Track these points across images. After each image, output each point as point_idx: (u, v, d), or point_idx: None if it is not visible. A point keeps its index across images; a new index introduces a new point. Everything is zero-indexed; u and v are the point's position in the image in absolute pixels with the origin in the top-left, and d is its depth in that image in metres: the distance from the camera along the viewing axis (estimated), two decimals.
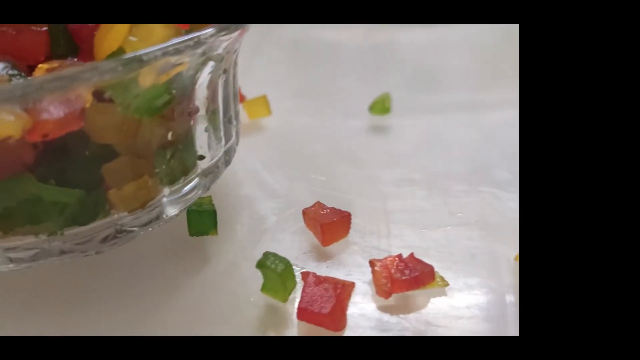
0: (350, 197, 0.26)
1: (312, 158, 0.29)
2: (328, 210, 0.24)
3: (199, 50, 0.18)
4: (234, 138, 0.24)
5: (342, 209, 0.24)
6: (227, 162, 0.24)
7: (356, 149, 0.30)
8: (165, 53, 0.17)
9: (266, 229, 0.24)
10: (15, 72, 0.19)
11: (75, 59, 0.20)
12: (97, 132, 0.18)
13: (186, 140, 0.21)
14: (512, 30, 0.44)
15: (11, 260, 0.20)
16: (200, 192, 0.23)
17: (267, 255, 0.21)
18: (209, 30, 0.18)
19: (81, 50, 0.20)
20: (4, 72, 0.18)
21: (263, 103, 0.32)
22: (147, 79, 0.17)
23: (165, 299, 0.21)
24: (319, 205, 0.24)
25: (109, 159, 0.19)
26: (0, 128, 0.16)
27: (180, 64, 0.18)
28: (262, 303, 0.21)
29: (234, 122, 0.24)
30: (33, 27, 0.19)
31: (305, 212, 0.24)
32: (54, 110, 0.17)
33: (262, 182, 0.27)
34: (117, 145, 0.19)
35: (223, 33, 0.19)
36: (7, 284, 0.22)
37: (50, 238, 0.19)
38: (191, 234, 0.24)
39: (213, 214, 0.23)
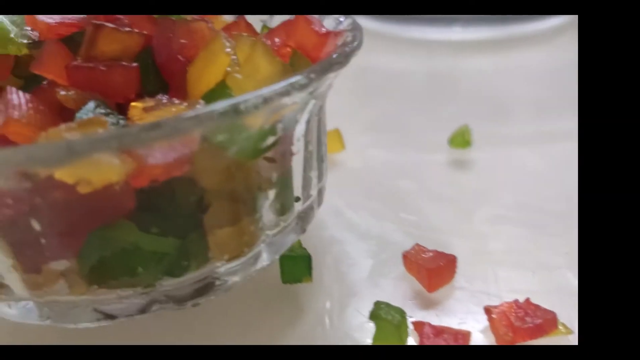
0: (447, 238, 0.24)
1: (398, 195, 0.28)
2: (431, 253, 0.22)
3: (310, 89, 0.17)
4: (325, 177, 0.23)
5: (442, 251, 0.22)
6: (320, 203, 0.23)
7: (441, 185, 0.28)
8: (280, 94, 0.16)
9: (364, 275, 0.23)
10: (107, 110, 0.17)
11: (166, 96, 0.19)
12: (203, 176, 0.17)
13: (286, 181, 0.20)
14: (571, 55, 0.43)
15: (103, 316, 0.18)
16: (296, 236, 0.21)
17: (379, 305, 0.19)
18: (322, 66, 0.17)
19: (171, 87, 0.19)
20: (95, 111, 0.17)
21: (337, 137, 0.31)
22: (257, 121, 0.16)
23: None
24: (419, 247, 0.22)
25: (211, 204, 0.17)
26: (103, 173, 0.15)
27: (291, 104, 0.17)
28: None
29: (325, 160, 0.23)
30: (124, 63, 0.18)
31: (406, 256, 0.22)
32: (161, 155, 0.15)
33: (348, 223, 0.26)
34: (220, 188, 0.17)
35: (336, 67, 0.17)
36: (93, 337, 0.20)
37: (146, 290, 0.18)
38: (284, 281, 0.22)
39: (307, 259, 0.22)
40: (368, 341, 0.19)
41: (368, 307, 0.20)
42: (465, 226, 0.25)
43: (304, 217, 0.21)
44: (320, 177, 0.22)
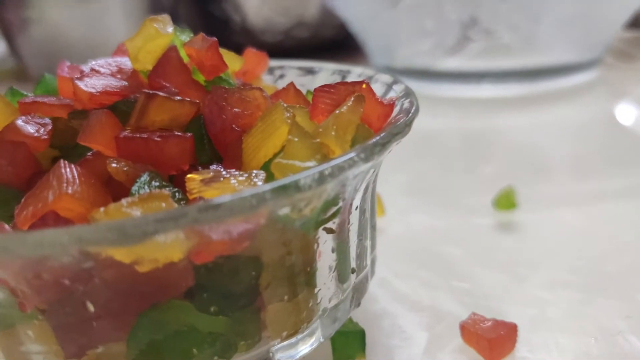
0: (503, 305, 0.23)
1: (446, 262, 0.26)
2: (489, 322, 0.21)
3: (374, 161, 0.16)
4: (376, 246, 0.22)
5: (501, 319, 0.21)
6: (373, 273, 0.22)
7: (490, 250, 0.27)
8: (348, 166, 0.15)
9: (421, 349, 0.21)
10: (162, 183, 0.17)
11: (221, 166, 0.18)
12: (264, 251, 0.16)
13: (343, 252, 0.19)
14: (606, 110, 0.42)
15: None
16: (351, 309, 0.20)
17: None
18: (386, 137, 0.16)
19: (225, 157, 0.19)
20: (151, 184, 0.17)
21: (377, 202, 0.30)
22: (324, 194, 0.15)
23: None
24: (476, 316, 0.21)
25: (271, 279, 0.16)
26: (166, 251, 0.14)
27: (355, 176, 0.16)
28: None
29: (375, 228, 0.22)
30: (178, 133, 0.18)
31: (463, 327, 0.21)
32: (225, 231, 0.14)
33: (398, 294, 0.24)
34: (280, 262, 0.16)
35: (399, 137, 0.17)
36: None
37: None
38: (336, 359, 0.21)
39: (361, 335, 0.21)
40: None
41: None
42: (520, 292, 0.24)
43: (359, 289, 0.20)
44: (372, 247, 0.21)
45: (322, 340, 0.19)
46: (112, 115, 0.18)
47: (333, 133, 0.17)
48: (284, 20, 0.66)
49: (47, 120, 0.21)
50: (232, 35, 0.70)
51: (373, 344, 0.21)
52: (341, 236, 0.18)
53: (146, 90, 0.18)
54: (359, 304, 0.20)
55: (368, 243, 0.20)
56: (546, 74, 0.47)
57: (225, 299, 0.16)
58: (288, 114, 0.17)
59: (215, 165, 0.18)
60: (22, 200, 0.16)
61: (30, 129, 0.20)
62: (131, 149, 0.18)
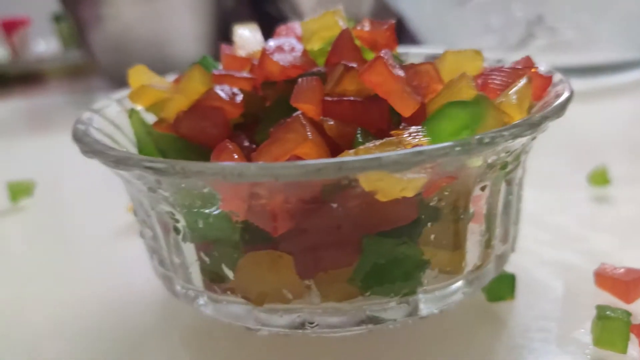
0: (625, 260, 0.26)
1: (559, 227, 0.30)
2: (622, 269, 0.24)
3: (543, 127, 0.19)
4: None
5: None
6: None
7: (594, 217, 0.31)
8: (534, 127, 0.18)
9: (559, 293, 0.24)
10: (372, 137, 0.20)
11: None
12: (462, 194, 0.19)
13: (511, 207, 0.22)
14: None
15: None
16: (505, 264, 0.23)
17: (602, 307, 0.21)
18: (557, 107, 0.20)
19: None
20: (365, 137, 0.20)
21: None
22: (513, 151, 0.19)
23: None
24: (607, 265, 0.24)
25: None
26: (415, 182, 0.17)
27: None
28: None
29: None
30: (379, 98, 0.21)
31: (598, 273, 0.24)
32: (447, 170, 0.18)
33: (524, 251, 0.27)
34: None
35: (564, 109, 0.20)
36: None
37: (402, 299, 0.20)
38: (489, 300, 0.24)
39: (512, 279, 0.24)
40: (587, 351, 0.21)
41: (574, 319, 0.22)
42: (633, 250, 0.27)
43: (514, 241, 0.23)
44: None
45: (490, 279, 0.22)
46: (320, 82, 0.21)
47: (514, 102, 0.20)
48: None
49: (237, 90, 0.24)
50: None
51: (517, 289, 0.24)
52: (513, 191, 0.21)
53: (345, 63, 0.22)
54: (513, 250, 0.23)
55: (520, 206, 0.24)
56: (605, 70, 0.51)
57: (442, 231, 0.19)
58: (473, 83, 0.21)
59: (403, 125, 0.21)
60: (261, 147, 0.19)
61: (227, 96, 0.23)
62: (338, 110, 0.21)
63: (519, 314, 0.23)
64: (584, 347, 0.21)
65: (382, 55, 0.20)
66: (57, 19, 0.88)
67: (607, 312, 0.21)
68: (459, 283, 0.21)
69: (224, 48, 0.27)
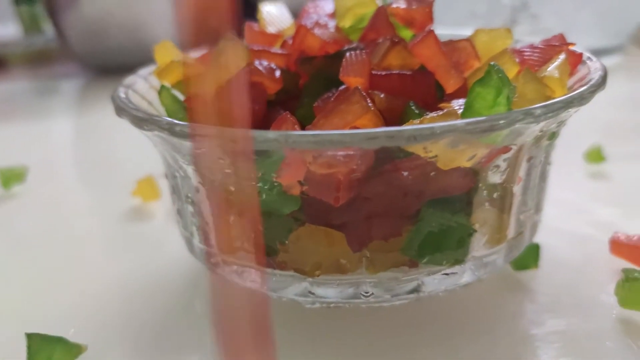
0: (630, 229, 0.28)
1: (564, 201, 0.31)
2: (636, 236, 0.25)
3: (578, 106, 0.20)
4: None
5: None
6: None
7: (594, 191, 0.33)
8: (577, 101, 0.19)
9: (579, 261, 0.26)
10: (422, 110, 0.20)
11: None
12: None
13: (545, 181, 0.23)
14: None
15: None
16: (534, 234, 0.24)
17: (628, 270, 0.22)
18: (595, 85, 0.20)
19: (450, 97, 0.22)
20: (417, 109, 0.20)
21: None
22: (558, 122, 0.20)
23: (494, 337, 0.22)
24: (620, 233, 0.25)
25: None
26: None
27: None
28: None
29: None
30: (427, 72, 0.21)
31: (613, 241, 0.25)
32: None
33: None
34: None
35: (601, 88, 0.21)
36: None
37: (452, 268, 0.20)
38: (515, 268, 0.25)
39: (537, 248, 0.25)
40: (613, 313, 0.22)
41: (595, 284, 0.23)
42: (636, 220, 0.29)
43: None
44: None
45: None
46: (369, 56, 0.22)
47: (557, 75, 0.21)
48: None
49: (274, 66, 0.24)
50: None
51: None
52: (547, 165, 0.23)
53: (392, 38, 0.22)
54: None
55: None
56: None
57: (499, 199, 0.20)
58: (515, 59, 0.21)
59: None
60: (318, 120, 0.20)
61: (266, 72, 0.23)
62: (387, 83, 0.21)
63: (544, 281, 0.25)
64: (610, 308, 0.22)
65: (432, 29, 0.21)
66: (17, 1, 0.85)
67: (635, 274, 0.22)
68: (502, 251, 0.21)
69: (250, 25, 0.27)
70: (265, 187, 0.19)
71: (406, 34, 0.25)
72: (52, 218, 0.34)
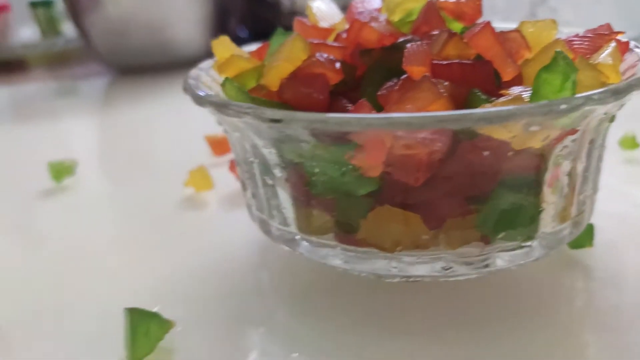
0: None
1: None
2: None
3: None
4: None
5: None
6: None
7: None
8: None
9: (626, 237, 0.27)
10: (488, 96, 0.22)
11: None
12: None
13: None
14: None
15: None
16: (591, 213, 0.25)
17: None
18: None
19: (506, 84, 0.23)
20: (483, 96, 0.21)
21: None
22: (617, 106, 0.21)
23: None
24: None
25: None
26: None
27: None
28: None
29: None
30: (486, 62, 0.23)
31: None
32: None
33: None
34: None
35: None
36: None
37: (523, 244, 0.22)
38: (571, 247, 0.26)
39: (591, 228, 0.26)
40: None
41: None
42: None
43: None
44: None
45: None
46: (429, 46, 0.23)
47: (611, 62, 0.22)
48: None
49: (333, 58, 0.25)
50: (281, 18, 0.74)
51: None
52: (603, 146, 0.24)
53: (449, 30, 0.23)
54: None
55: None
56: None
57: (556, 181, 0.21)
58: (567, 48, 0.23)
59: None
60: (390, 106, 0.21)
61: (328, 64, 0.25)
62: (448, 72, 0.22)
63: (599, 259, 0.26)
64: None
65: (489, 21, 0.22)
66: (34, 5, 0.86)
67: None
68: (567, 228, 0.23)
69: (300, 20, 0.29)
70: (345, 169, 0.20)
71: (456, 26, 0.26)
72: (109, 208, 0.35)
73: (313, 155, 0.21)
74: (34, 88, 0.71)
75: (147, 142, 0.48)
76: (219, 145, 0.40)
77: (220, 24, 0.69)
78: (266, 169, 0.23)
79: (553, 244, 0.22)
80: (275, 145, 0.22)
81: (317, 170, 0.21)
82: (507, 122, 0.18)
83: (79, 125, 0.55)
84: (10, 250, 0.31)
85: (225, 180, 0.36)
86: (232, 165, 0.35)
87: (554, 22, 0.26)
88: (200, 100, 0.22)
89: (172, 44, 0.66)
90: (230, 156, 0.40)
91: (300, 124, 0.19)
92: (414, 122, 0.18)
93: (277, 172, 0.23)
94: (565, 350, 0.21)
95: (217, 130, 0.41)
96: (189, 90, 0.24)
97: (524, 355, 0.20)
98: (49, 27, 0.84)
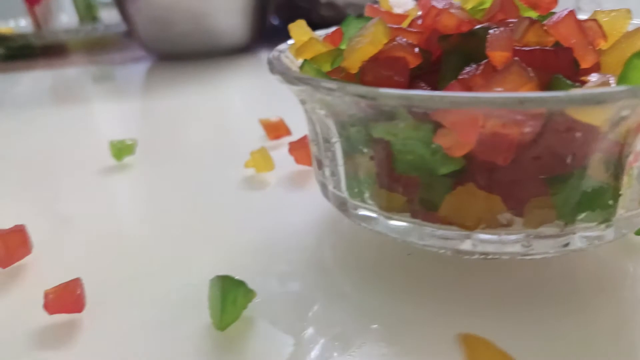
0: None
1: None
2: None
3: None
4: None
5: None
6: None
7: None
8: None
9: None
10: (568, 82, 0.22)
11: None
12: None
13: None
14: None
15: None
16: None
17: None
18: None
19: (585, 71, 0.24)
20: (565, 81, 0.22)
21: None
22: None
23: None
24: None
25: None
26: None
27: None
28: None
29: None
30: (567, 47, 0.23)
31: None
32: None
33: None
34: None
35: None
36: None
37: (601, 226, 0.22)
38: (636, 233, 0.27)
39: None
40: None
41: None
42: None
43: None
44: None
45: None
46: (511, 33, 0.24)
47: None
48: None
49: (411, 42, 0.26)
50: (319, 8, 0.75)
51: None
52: None
53: (530, 18, 0.24)
54: None
55: None
56: None
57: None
58: None
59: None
60: (478, 90, 0.22)
61: (408, 47, 0.25)
62: (530, 58, 0.23)
63: None
64: None
65: (573, 10, 0.23)
66: None
67: None
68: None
69: (372, 6, 0.29)
70: (435, 146, 0.21)
71: (531, 14, 0.27)
72: (172, 187, 0.36)
73: (405, 134, 0.21)
74: (74, 72, 0.72)
75: (195, 126, 0.49)
76: (274, 129, 0.42)
77: (260, 14, 0.70)
78: (351, 147, 0.24)
79: (627, 228, 0.23)
80: (364, 123, 0.23)
81: (405, 148, 0.22)
82: (604, 104, 0.19)
83: (123, 109, 0.56)
84: (97, 220, 0.32)
85: (284, 162, 0.37)
86: (292, 147, 0.36)
87: (628, 11, 0.26)
88: (289, 79, 0.23)
89: (213, 32, 0.67)
90: (287, 139, 0.41)
91: (413, 101, 0.20)
92: (527, 101, 0.18)
93: (364, 150, 0.24)
94: (632, 328, 0.22)
95: (269, 115, 0.42)
96: (278, 69, 0.24)
97: (589, 333, 0.21)
98: (87, 13, 0.85)
